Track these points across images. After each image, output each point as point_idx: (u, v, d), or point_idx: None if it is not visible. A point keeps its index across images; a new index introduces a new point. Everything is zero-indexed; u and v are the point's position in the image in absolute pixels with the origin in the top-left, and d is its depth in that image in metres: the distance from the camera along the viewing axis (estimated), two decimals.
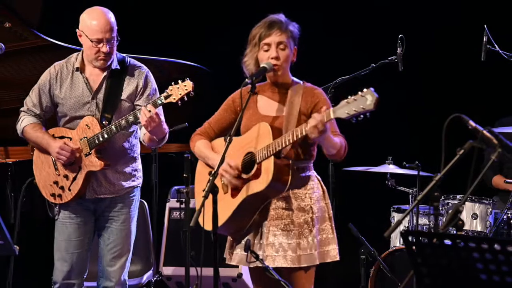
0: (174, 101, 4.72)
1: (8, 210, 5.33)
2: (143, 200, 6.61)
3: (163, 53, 6.95)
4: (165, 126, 4.85)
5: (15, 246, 4.69)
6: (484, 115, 5.17)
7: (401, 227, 6.26)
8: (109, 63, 4.93)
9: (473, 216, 6.27)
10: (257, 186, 4.22)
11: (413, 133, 7.43)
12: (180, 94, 4.71)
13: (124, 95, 4.96)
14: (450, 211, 3.22)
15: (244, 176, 4.29)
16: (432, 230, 6.25)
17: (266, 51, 4.30)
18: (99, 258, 5.09)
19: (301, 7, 4.46)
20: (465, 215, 6.25)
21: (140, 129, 5.02)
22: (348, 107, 3.90)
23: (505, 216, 6.16)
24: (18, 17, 5.65)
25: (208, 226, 4.19)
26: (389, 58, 5.91)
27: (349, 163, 6.11)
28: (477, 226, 6.27)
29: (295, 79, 4.41)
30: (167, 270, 6.53)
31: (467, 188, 3.31)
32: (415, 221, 6.27)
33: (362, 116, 3.90)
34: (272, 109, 4.38)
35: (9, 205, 5.56)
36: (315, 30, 4.44)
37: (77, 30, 4.92)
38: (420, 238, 2.96)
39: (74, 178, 4.94)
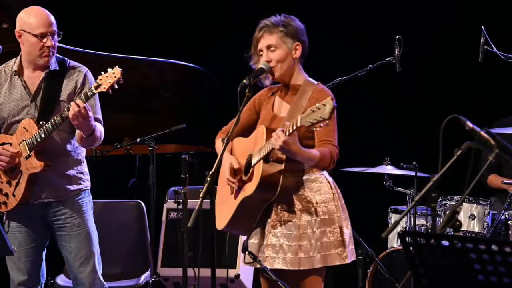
0: (105, 90, 4.64)
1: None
2: (140, 201, 6.61)
3: (162, 53, 6.96)
4: (93, 123, 4.73)
5: (12, 247, 4.69)
6: (482, 116, 5.17)
7: (399, 228, 6.27)
8: (52, 59, 4.85)
9: (471, 217, 6.28)
10: (249, 189, 4.23)
11: (411, 134, 7.43)
12: (110, 82, 4.64)
13: (63, 96, 4.88)
14: (447, 212, 3.22)
15: (243, 177, 4.31)
16: (429, 231, 6.25)
17: (261, 55, 4.33)
18: (67, 267, 5.03)
19: (299, 8, 4.46)
20: (462, 216, 6.25)
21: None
22: (310, 116, 3.89)
23: (502, 217, 6.16)
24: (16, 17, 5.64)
25: (218, 225, 4.31)
26: (387, 59, 5.91)
27: (347, 163, 6.11)
28: (475, 227, 6.27)
29: (309, 79, 4.38)
30: (165, 271, 6.53)
31: (465, 189, 3.31)
32: (412, 222, 6.27)
33: (321, 124, 3.89)
34: (284, 110, 4.37)
35: None
36: (312, 30, 4.43)
37: (15, 31, 4.85)
38: (418, 239, 2.96)
39: (17, 183, 4.86)
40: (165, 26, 7.99)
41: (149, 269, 6.46)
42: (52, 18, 4.83)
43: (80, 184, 4.99)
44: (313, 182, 4.30)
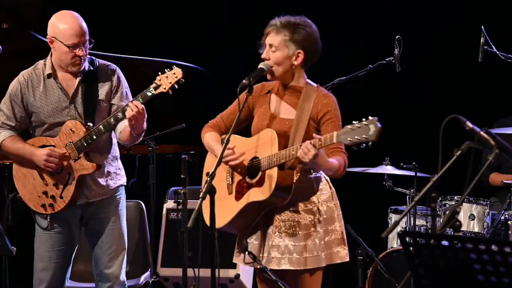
0: (165, 90, 4.67)
1: (5, 211, 5.30)
2: (140, 201, 6.61)
3: (162, 54, 6.95)
4: (145, 123, 4.79)
5: (12, 247, 4.70)
6: (482, 116, 5.17)
7: (399, 228, 6.27)
8: (82, 67, 4.87)
9: (471, 217, 6.28)
10: (260, 194, 4.22)
11: (411, 134, 7.43)
12: (170, 82, 4.67)
13: (101, 96, 4.91)
14: (447, 212, 3.22)
15: (248, 180, 4.29)
16: (429, 231, 6.25)
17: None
18: (94, 262, 5.03)
19: (298, 8, 4.46)
20: (462, 216, 6.26)
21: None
22: (350, 134, 3.87)
23: (502, 217, 6.16)
24: (17, 18, 5.65)
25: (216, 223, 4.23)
26: (387, 59, 5.91)
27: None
28: (475, 227, 6.28)
29: (310, 82, 4.38)
30: (165, 271, 6.52)
31: (465, 189, 3.31)
32: (412, 222, 6.27)
33: (364, 145, 3.88)
34: (283, 111, 4.37)
35: (6, 206, 5.54)
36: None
37: (47, 37, 4.84)
38: (418, 239, 2.96)
39: (65, 185, 4.86)
40: (165, 26, 7.98)
41: (149, 269, 6.46)
42: (85, 27, 4.83)
43: (120, 179, 5.05)
44: (314, 182, 4.31)
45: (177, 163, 5.15)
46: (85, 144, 4.81)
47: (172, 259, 6.45)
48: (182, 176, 5.05)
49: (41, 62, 4.96)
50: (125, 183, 5.09)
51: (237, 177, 4.36)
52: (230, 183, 4.38)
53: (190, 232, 4.22)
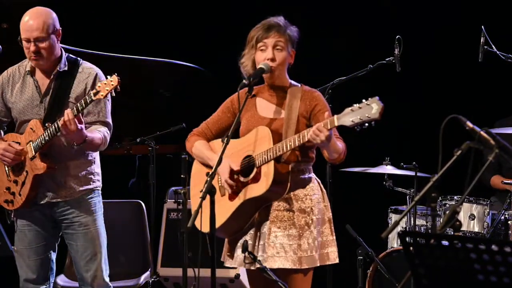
0: (102, 97, 4.66)
1: (6, 211, 5.30)
2: (140, 201, 6.62)
3: (162, 54, 6.96)
4: (84, 133, 4.71)
5: (12, 247, 4.70)
6: (482, 116, 5.17)
7: (399, 228, 6.26)
8: (46, 64, 4.84)
9: (471, 217, 6.28)
10: (257, 190, 4.22)
11: (411, 134, 7.43)
12: (107, 89, 4.65)
13: (71, 97, 4.88)
14: (447, 212, 3.22)
15: (242, 179, 4.30)
16: (429, 231, 6.25)
17: (263, 51, 4.31)
18: (74, 266, 5.03)
19: (299, 8, 4.47)
20: (462, 216, 6.25)
21: None
22: (352, 115, 3.89)
23: (502, 217, 6.16)
24: (16, 17, 5.64)
25: (205, 228, 4.19)
26: (387, 59, 5.91)
27: (347, 163, 6.09)
28: (475, 227, 6.27)
29: (293, 82, 4.42)
30: (165, 271, 6.53)
31: (465, 189, 3.31)
32: (412, 222, 6.27)
33: (366, 124, 3.90)
34: (271, 111, 4.38)
35: None
36: (312, 30, 4.44)
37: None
38: (418, 239, 2.96)
39: (23, 183, 4.87)
40: (165, 26, 7.98)
41: (149, 269, 6.46)
42: (44, 23, 4.77)
43: (90, 184, 4.98)
44: (307, 183, 4.33)
45: (177, 163, 5.16)
46: (40, 145, 4.80)
47: (172, 259, 6.45)
48: (182, 176, 5.06)
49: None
50: (98, 188, 5.02)
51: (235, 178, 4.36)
52: (221, 183, 4.36)
53: (190, 232, 4.22)
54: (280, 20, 4.35)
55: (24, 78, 4.94)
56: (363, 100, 3.90)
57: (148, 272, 6.45)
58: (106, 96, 4.66)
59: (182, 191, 5.00)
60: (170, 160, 7.01)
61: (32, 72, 4.91)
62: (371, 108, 3.85)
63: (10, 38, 4.92)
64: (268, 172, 4.18)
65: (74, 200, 4.92)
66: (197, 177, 4.48)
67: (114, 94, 4.70)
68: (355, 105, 3.91)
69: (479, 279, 2.83)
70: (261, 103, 4.43)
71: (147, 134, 6.61)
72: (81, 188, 4.93)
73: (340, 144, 4.22)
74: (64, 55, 4.92)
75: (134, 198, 6.71)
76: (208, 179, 4.02)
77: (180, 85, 7.28)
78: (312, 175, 4.38)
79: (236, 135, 4.38)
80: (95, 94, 4.66)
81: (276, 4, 4.83)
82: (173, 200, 6.64)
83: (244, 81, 4.25)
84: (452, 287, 2.94)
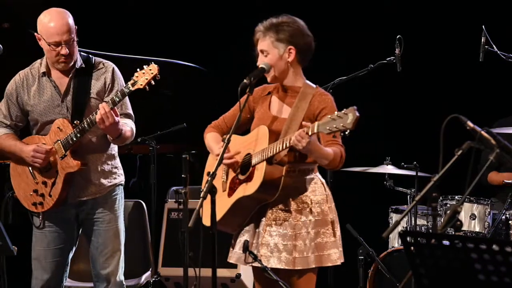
0: (141, 87, 4.65)
1: (7, 210, 5.30)
2: (141, 201, 6.62)
3: (163, 53, 6.96)
4: (120, 126, 4.75)
5: (13, 246, 4.70)
6: (482, 115, 5.17)
7: (400, 228, 6.26)
8: (71, 64, 4.84)
9: (472, 217, 6.27)
10: (249, 189, 4.24)
11: (411, 133, 7.43)
12: (147, 78, 4.65)
13: (93, 93, 4.88)
14: (448, 212, 3.22)
15: (240, 177, 4.31)
16: (430, 230, 6.25)
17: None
18: (91, 263, 5.02)
19: (299, 8, 4.46)
20: (463, 216, 6.25)
21: None
22: (330, 124, 3.93)
23: (503, 217, 6.16)
24: (17, 17, 5.65)
25: (206, 221, 4.25)
26: (387, 59, 5.91)
27: (347, 163, 6.07)
28: (475, 226, 6.27)
29: (308, 82, 4.39)
30: (166, 271, 6.53)
31: (465, 188, 3.31)
32: (413, 221, 6.27)
33: (342, 133, 3.93)
34: (280, 110, 4.39)
35: (4, 205, 5.54)
36: (312, 30, 4.43)
37: (36, 34, 4.82)
38: (419, 239, 2.96)
39: (53, 183, 4.85)
40: (167, 26, 7.99)
41: (150, 269, 6.46)
42: (70, 24, 4.78)
43: (116, 178, 5.00)
44: (309, 183, 4.32)
45: (178, 163, 5.15)
46: (70, 142, 4.80)
47: (173, 258, 6.45)
48: (183, 175, 5.05)
49: (38, 61, 4.96)
50: (122, 182, 5.05)
51: (231, 175, 4.40)
52: (225, 180, 4.40)
53: (191, 232, 4.23)
54: (266, 22, 4.34)
55: (40, 80, 4.91)
56: (343, 109, 3.92)
57: (149, 272, 6.45)
58: (145, 85, 4.65)
59: (183, 191, 5.00)
60: (171, 159, 7.01)
61: (48, 73, 4.89)
62: (347, 118, 3.88)
63: (11, 38, 4.91)
64: (259, 172, 4.20)
65: (102, 197, 4.93)
66: (210, 167, 4.46)
67: (153, 83, 4.67)
68: (335, 113, 3.94)
69: (480, 279, 2.83)
70: (274, 101, 4.44)
71: (148, 133, 6.61)
72: (109, 184, 4.95)
73: (329, 150, 4.18)
74: (78, 53, 4.92)
75: (135, 198, 6.71)
76: (209, 178, 4.03)
77: (181, 85, 7.28)
78: (316, 175, 4.36)
79: (249, 131, 4.42)
80: (133, 85, 4.65)
81: (277, 3, 4.83)
82: (174, 200, 6.64)
83: (245, 80, 4.25)
84: (453, 287, 2.94)
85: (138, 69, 4.70)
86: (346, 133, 3.92)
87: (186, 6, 8.05)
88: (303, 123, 4.06)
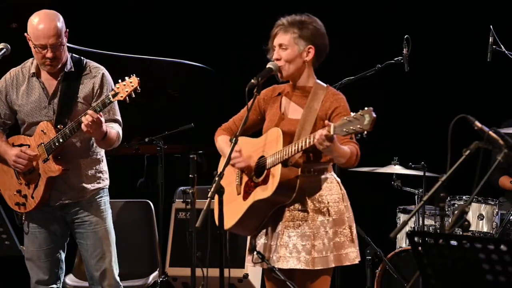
0: (122, 98, 4.64)
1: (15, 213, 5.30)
2: (148, 201, 6.62)
3: (170, 53, 6.96)
4: (104, 128, 4.72)
5: (21, 246, 4.71)
6: (490, 115, 5.17)
7: (407, 228, 6.26)
8: (59, 67, 4.82)
9: (479, 217, 6.27)
10: (264, 192, 4.22)
11: (419, 133, 7.42)
12: (127, 91, 4.64)
13: (80, 97, 4.86)
14: (456, 212, 3.22)
15: (254, 180, 4.30)
16: (438, 231, 6.24)
17: (274, 50, 4.33)
18: (85, 265, 5.04)
19: (306, 7, 4.46)
20: (471, 216, 6.24)
21: None
22: (347, 125, 3.90)
23: (511, 217, 6.15)
24: (26, 17, 5.66)
25: (225, 225, 4.24)
26: (395, 59, 5.91)
27: None
28: (483, 227, 6.26)
29: (319, 82, 4.38)
30: (173, 271, 6.53)
31: (473, 189, 3.30)
32: (421, 221, 6.27)
33: (359, 135, 3.92)
34: (292, 111, 4.37)
35: None
36: None
37: (25, 34, 4.81)
38: (426, 239, 2.96)
39: (36, 185, 4.85)
40: (174, 26, 7.99)
41: (158, 269, 6.46)
42: (59, 28, 4.74)
43: (99, 183, 4.98)
44: (324, 182, 4.30)
45: (186, 163, 5.15)
46: (53, 147, 4.79)
47: (180, 258, 6.45)
48: (190, 175, 5.05)
49: (30, 60, 4.95)
50: (106, 186, 5.02)
51: (245, 178, 4.37)
52: (239, 184, 4.38)
53: (198, 232, 4.23)
54: (290, 17, 4.32)
55: (29, 80, 4.91)
56: (360, 110, 3.91)
57: (156, 272, 6.45)
58: (126, 97, 4.64)
59: (190, 191, 5.00)
60: (178, 160, 7.01)
61: (37, 74, 4.89)
62: (364, 119, 3.87)
63: (19, 38, 4.91)
64: (274, 176, 4.18)
65: (86, 201, 4.93)
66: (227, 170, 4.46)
67: (134, 96, 4.67)
68: (352, 114, 3.92)
69: (487, 279, 2.82)
70: (285, 102, 4.42)
71: (156, 134, 6.62)
72: (92, 188, 4.93)
73: (347, 149, 4.17)
74: (69, 55, 4.90)
75: (143, 198, 6.71)
76: (216, 179, 4.03)
77: (189, 85, 7.28)
78: (331, 175, 4.34)
79: (260, 132, 4.41)
80: (114, 96, 4.65)
81: (284, 3, 4.83)
82: (182, 200, 6.63)
83: (252, 80, 4.24)
84: (460, 287, 2.94)
85: (119, 80, 4.68)
86: (364, 134, 3.91)
87: (194, 6, 8.05)
88: (326, 122, 4.03)
